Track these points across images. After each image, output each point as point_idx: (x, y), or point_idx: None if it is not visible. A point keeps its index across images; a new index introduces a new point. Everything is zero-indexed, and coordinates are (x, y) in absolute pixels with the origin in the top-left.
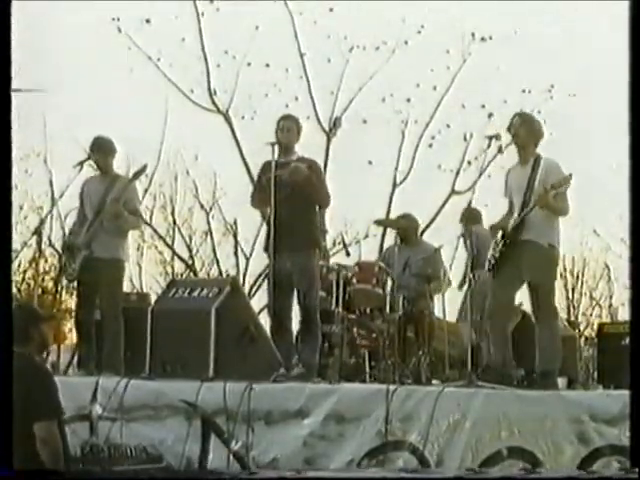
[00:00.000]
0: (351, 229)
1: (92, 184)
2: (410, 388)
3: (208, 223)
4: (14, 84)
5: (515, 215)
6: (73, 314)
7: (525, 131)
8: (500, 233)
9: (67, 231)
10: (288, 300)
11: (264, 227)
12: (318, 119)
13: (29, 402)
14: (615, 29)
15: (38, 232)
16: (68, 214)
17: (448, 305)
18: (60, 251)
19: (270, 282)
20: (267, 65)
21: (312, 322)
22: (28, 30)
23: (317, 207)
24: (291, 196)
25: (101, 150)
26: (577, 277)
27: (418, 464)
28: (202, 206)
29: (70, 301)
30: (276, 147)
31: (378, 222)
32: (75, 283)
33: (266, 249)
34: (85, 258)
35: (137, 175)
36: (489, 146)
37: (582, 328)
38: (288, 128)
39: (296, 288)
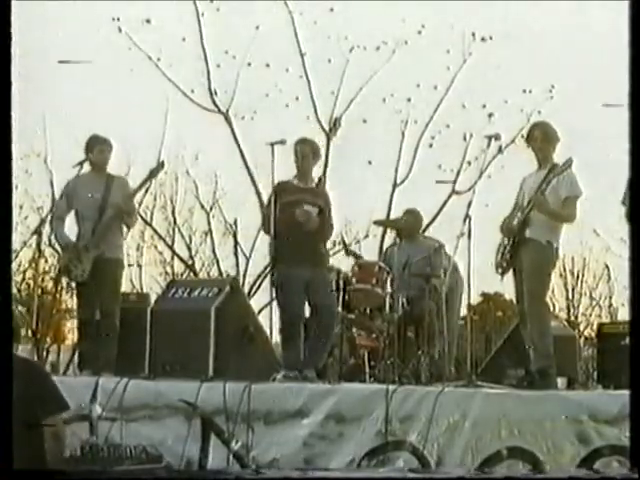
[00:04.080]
0: (351, 229)
1: (85, 182)
2: (410, 388)
3: (208, 223)
4: (14, 84)
5: (519, 215)
6: (75, 314)
7: (543, 141)
8: (506, 235)
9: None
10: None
11: (262, 232)
12: (318, 119)
13: (34, 400)
14: (615, 29)
15: (38, 232)
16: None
17: None
18: (60, 250)
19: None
20: (267, 65)
21: (330, 327)
22: (28, 30)
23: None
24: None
25: (98, 148)
26: (577, 277)
27: (418, 464)
28: (202, 206)
29: (70, 301)
30: (276, 146)
31: (378, 222)
32: (74, 283)
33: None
34: (96, 258)
35: (154, 173)
36: (489, 146)
37: (582, 328)
38: (304, 155)
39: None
